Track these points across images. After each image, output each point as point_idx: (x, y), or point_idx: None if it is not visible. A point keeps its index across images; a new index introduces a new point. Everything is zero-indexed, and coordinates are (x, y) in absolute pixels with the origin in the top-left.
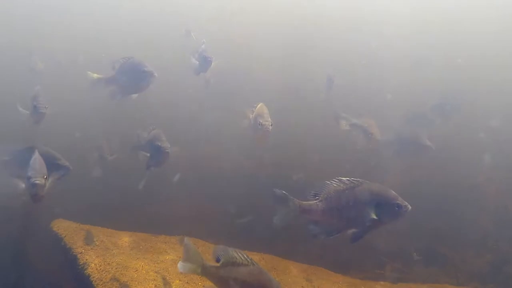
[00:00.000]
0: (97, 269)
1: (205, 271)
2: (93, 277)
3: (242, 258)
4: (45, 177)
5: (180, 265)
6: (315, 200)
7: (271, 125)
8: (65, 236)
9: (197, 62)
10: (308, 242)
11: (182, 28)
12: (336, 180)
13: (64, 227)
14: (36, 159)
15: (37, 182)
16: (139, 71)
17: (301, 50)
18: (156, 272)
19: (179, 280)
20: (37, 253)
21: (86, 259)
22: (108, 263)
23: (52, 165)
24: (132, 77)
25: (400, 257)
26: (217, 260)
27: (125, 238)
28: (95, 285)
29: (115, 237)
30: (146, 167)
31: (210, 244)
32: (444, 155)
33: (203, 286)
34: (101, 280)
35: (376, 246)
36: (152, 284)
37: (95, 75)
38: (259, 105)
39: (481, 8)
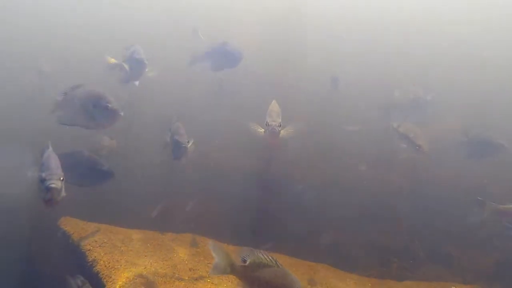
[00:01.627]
0: (106, 266)
1: (234, 271)
2: (103, 274)
3: (268, 259)
4: (61, 179)
5: (212, 267)
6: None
7: (279, 125)
8: (73, 233)
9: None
10: (315, 240)
11: (190, 27)
12: None
13: (71, 225)
14: (50, 157)
15: (53, 185)
16: (136, 59)
17: (309, 50)
18: (164, 269)
19: (188, 277)
20: (45, 250)
21: (95, 256)
22: (117, 260)
23: (96, 170)
24: (133, 64)
25: (407, 255)
26: (243, 261)
27: (132, 236)
28: (104, 282)
29: (122, 235)
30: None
31: (218, 243)
32: (449, 156)
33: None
34: (110, 277)
35: (382, 245)
36: (162, 281)
37: (112, 60)
38: (271, 103)
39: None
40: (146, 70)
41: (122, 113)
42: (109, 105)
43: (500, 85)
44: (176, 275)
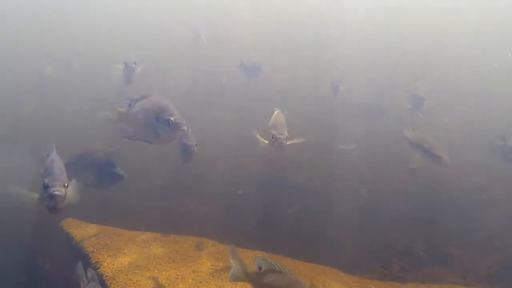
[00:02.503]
0: (109, 268)
1: (249, 277)
2: (106, 276)
3: (281, 267)
4: (66, 185)
5: (230, 274)
6: None
7: (286, 138)
8: (76, 235)
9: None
10: (314, 242)
11: (191, 29)
12: None
13: (74, 226)
14: (54, 161)
15: (57, 193)
16: (124, 64)
17: (311, 51)
18: (168, 271)
19: (192, 279)
20: (48, 251)
21: (98, 258)
22: (120, 262)
23: (109, 173)
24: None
25: (408, 257)
26: (258, 268)
27: (135, 238)
28: (108, 284)
29: (125, 237)
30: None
31: (219, 244)
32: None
33: None
34: (114, 279)
35: (383, 246)
36: (165, 282)
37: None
38: (274, 113)
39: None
40: (135, 72)
41: (185, 127)
42: (171, 118)
43: (502, 86)
44: (180, 277)
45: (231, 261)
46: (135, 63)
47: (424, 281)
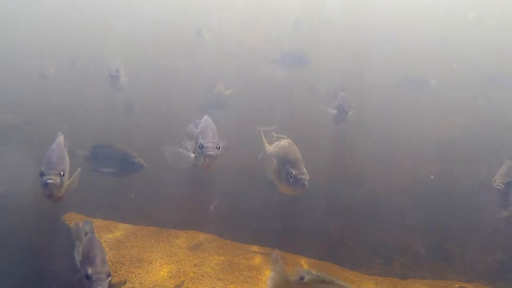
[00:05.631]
0: (111, 261)
1: (288, 286)
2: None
3: (331, 279)
4: (61, 173)
5: (269, 280)
6: None
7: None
8: None
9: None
10: (316, 238)
11: (193, 27)
12: None
13: (76, 220)
14: (54, 149)
15: (50, 181)
16: (110, 75)
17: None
18: (169, 265)
19: (194, 273)
20: (50, 246)
21: None
22: (122, 255)
23: (127, 162)
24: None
25: (409, 253)
26: (300, 278)
27: (137, 232)
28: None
29: (127, 231)
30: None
31: (221, 239)
32: (452, 153)
33: None
34: (116, 272)
35: (384, 242)
36: (167, 275)
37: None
38: (284, 143)
39: None
40: (119, 79)
41: (211, 153)
42: (201, 141)
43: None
44: (182, 271)
45: (272, 267)
46: (117, 71)
47: (425, 278)
